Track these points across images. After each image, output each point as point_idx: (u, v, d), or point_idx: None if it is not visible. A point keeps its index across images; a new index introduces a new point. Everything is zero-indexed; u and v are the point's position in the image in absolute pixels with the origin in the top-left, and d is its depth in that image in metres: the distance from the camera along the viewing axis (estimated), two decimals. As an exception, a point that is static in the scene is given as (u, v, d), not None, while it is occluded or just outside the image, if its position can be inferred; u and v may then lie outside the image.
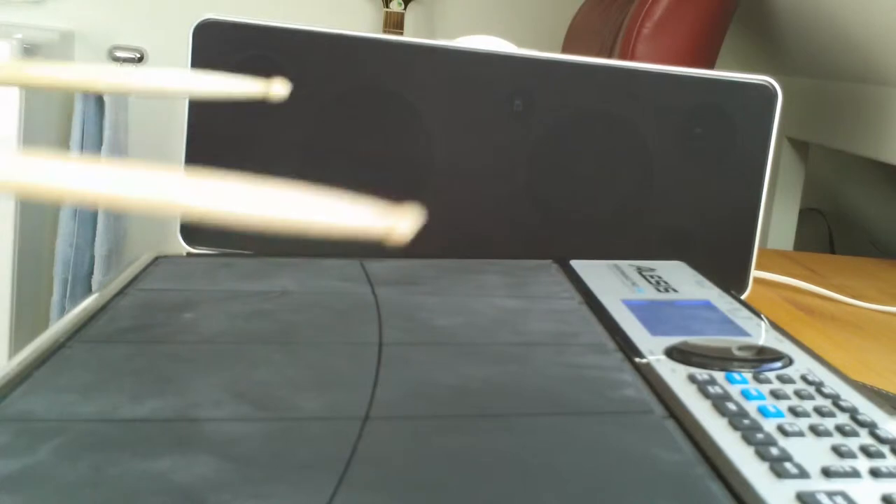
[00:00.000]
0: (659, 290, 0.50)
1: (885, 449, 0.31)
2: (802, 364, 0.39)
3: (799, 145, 1.49)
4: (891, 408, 0.35)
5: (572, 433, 0.31)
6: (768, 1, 1.37)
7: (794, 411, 0.34)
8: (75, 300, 1.66)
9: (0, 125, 1.53)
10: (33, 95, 1.60)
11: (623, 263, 0.56)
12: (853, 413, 0.34)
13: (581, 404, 0.34)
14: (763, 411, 0.34)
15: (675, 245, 0.65)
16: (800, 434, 0.32)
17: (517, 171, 0.64)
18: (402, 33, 1.83)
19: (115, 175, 0.26)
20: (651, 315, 0.45)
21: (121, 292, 0.46)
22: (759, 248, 0.83)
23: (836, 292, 0.76)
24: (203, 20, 0.62)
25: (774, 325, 0.45)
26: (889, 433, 0.32)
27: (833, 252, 1.70)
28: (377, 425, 0.31)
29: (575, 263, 0.56)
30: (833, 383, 0.37)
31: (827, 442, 0.31)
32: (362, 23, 1.97)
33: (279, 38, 0.62)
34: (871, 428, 0.33)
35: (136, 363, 0.36)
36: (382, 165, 0.63)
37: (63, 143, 1.78)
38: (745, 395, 0.35)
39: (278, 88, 0.34)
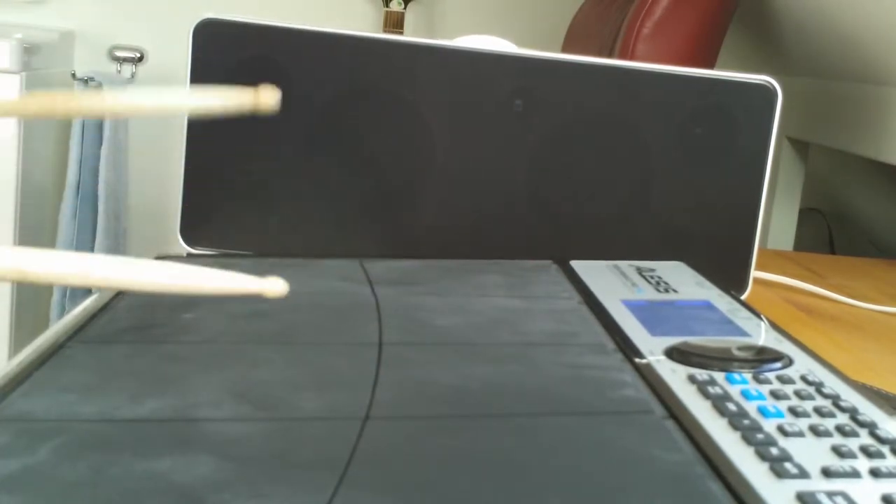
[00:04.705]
0: (659, 291, 0.50)
1: (885, 449, 0.31)
2: (802, 364, 0.39)
3: (799, 145, 1.49)
4: (891, 408, 0.35)
5: (572, 433, 0.31)
6: (768, 1, 1.37)
7: (794, 411, 0.34)
8: (75, 300, 1.66)
9: (0, 125, 1.53)
10: (33, 95, 1.59)
11: (623, 263, 0.56)
12: (853, 413, 0.34)
13: (581, 404, 0.34)
14: (763, 411, 0.34)
15: (675, 245, 0.65)
16: (800, 434, 0.32)
17: (517, 171, 0.64)
18: (402, 33, 1.83)
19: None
20: (651, 315, 0.45)
21: (121, 292, 0.46)
22: (759, 248, 0.83)
23: (836, 292, 0.76)
24: (203, 20, 0.62)
25: (774, 325, 0.45)
26: (889, 433, 0.32)
27: (833, 252, 1.70)
28: (377, 425, 0.31)
29: (575, 263, 0.56)
30: (833, 383, 0.37)
31: (827, 442, 0.31)
32: (362, 23, 1.97)
33: (279, 37, 0.62)
34: (871, 428, 0.33)
35: (136, 363, 0.36)
36: (383, 165, 0.63)
37: (63, 143, 1.78)
38: (745, 395, 0.35)
39: (268, 97, 0.34)
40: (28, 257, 0.29)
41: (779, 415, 0.33)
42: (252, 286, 0.32)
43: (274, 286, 0.33)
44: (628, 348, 0.41)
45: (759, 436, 0.31)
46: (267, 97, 0.34)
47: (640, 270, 0.54)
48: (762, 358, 0.40)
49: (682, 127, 0.64)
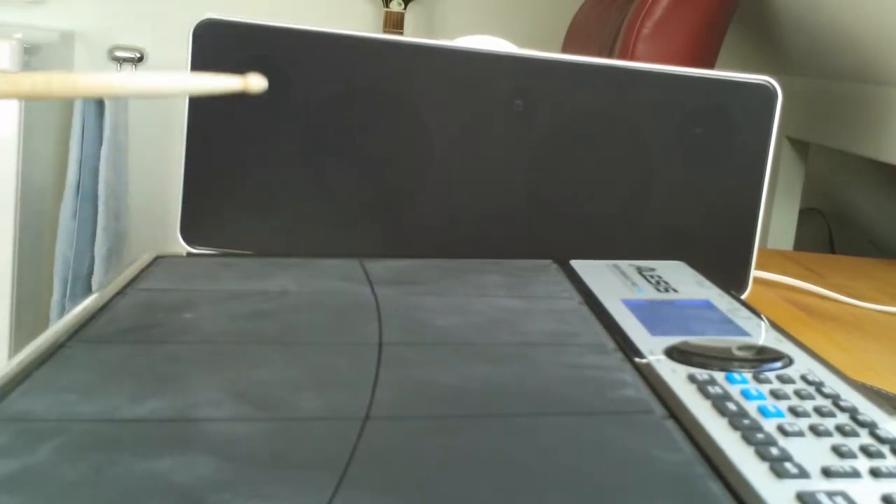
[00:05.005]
0: (659, 290, 0.50)
1: (885, 449, 0.31)
2: (802, 364, 0.39)
3: (799, 145, 1.49)
4: (891, 408, 0.35)
5: (572, 433, 0.31)
6: (768, 1, 1.37)
7: (794, 411, 0.34)
8: (75, 300, 1.66)
9: (0, 125, 1.53)
10: (33, 95, 1.59)
11: (623, 263, 0.56)
12: (853, 413, 0.34)
13: (581, 404, 0.34)
14: (763, 411, 0.34)
15: (675, 245, 0.65)
16: (800, 434, 0.32)
17: (517, 171, 0.64)
18: (402, 33, 1.83)
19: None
20: (651, 315, 0.45)
21: (121, 292, 0.46)
22: (759, 248, 0.83)
23: (836, 292, 0.76)
24: (203, 20, 0.62)
25: (774, 325, 0.45)
26: (889, 433, 0.32)
27: (833, 252, 1.70)
28: (377, 425, 0.31)
29: (575, 263, 0.56)
30: (833, 383, 0.37)
31: (827, 442, 0.31)
32: (362, 23, 1.97)
33: (279, 38, 0.62)
34: (871, 428, 0.33)
35: (136, 363, 0.36)
36: (382, 165, 0.63)
37: (63, 143, 1.78)
38: (745, 395, 0.35)
39: (256, 82, 0.35)
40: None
41: (779, 414, 0.33)
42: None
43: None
44: (628, 348, 0.41)
45: (759, 436, 0.31)
46: (255, 83, 0.34)
47: (640, 270, 0.54)
48: (762, 358, 0.40)
49: (681, 127, 0.64)
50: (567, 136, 0.64)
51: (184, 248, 0.64)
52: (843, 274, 0.86)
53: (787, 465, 0.29)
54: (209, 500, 0.26)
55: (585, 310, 0.46)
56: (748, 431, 0.32)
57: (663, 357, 0.39)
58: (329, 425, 0.31)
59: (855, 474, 0.29)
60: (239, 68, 0.62)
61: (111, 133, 1.70)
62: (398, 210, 0.64)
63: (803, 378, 0.37)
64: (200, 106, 0.63)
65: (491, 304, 0.46)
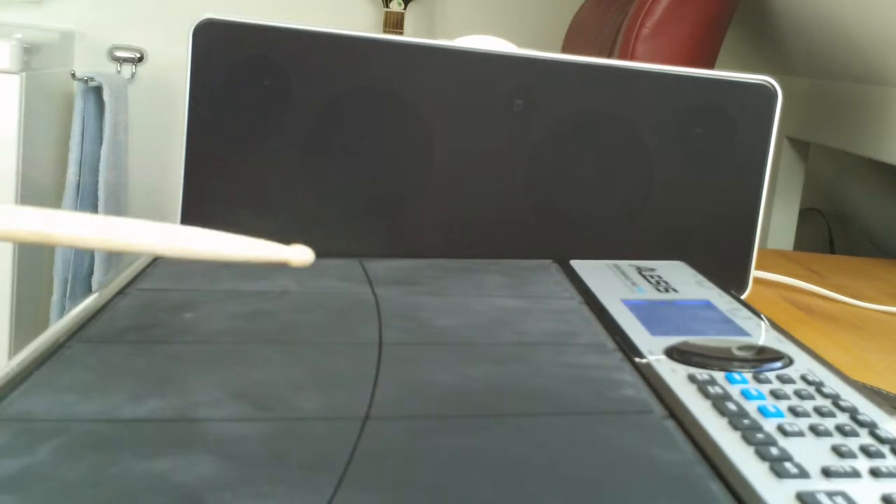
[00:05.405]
0: (659, 290, 0.50)
1: (885, 449, 0.31)
2: (802, 364, 0.39)
3: (799, 145, 1.49)
4: (891, 408, 0.35)
5: (572, 433, 0.31)
6: (768, 1, 1.37)
7: (794, 411, 0.34)
8: (75, 300, 1.66)
9: (0, 125, 1.53)
10: (33, 95, 1.60)
11: (623, 263, 0.56)
12: (853, 413, 0.34)
13: (581, 404, 0.34)
14: (763, 411, 0.34)
15: (675, 245, 0.65)
16: (800, 434, 0.32)
17: (517, 171, 0.64)
18: (402, 33, 1.83)
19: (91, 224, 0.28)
20: (651, 315, 0.45)
21: (121, 292, 0.46)
22: (759, 248, 0.83)
23: (836, 292, 0.76)
24: (203, 20, 0.62)
25: (774, 325, 0.45)
26: (889, 433, 0.32)
27: (833, 252, 1.70)
28: (377, 425, 0.31)
29: (575, 263, 0.56)
30: (833, 383, 0.37)
31: (827, 442, 0.31)
32: (362, 23, 1.97)
33: (279, 38, 0.62)
34: (871, 428, 0.33)
35: (136, 363, 0.36)
36: (382, 165, 0.63)
37: (63, 143, 1.78)
38: (745, 395, 0.35)
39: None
40: (52, 220, 0.29)
41: (779, 414, 0.33)
42: (277, 254, 0.32)
43: (300, 255, 0.32)
44: (628, 348, 0.41)
45: (759, 436, 0.31)
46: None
47: (640, 270, 0.54)
48: (762, 357, 0.40)
49: (682, 127, 0.64)
50: (567, 136, 0.64)
51: (184, 248, 0.64)
52: (843, 274, 0.86)
53: (787, 465, 0.29)
54: (209, 500, 0.26)
55: (585, 310, 0.46)
56: (748, 431, 0.32)
57: (663, 357, 0.39)
58: (329, 425, 0.31)
59: (855, 474, 0.29)
60: (239, 68, 0.62)
61: (111, 133, 1.70)
62: (398, 210, 0.64)
63: (803, 378, 0.37)
64: (201, 106, 0.63)
65: (491, 304, 0.46)
